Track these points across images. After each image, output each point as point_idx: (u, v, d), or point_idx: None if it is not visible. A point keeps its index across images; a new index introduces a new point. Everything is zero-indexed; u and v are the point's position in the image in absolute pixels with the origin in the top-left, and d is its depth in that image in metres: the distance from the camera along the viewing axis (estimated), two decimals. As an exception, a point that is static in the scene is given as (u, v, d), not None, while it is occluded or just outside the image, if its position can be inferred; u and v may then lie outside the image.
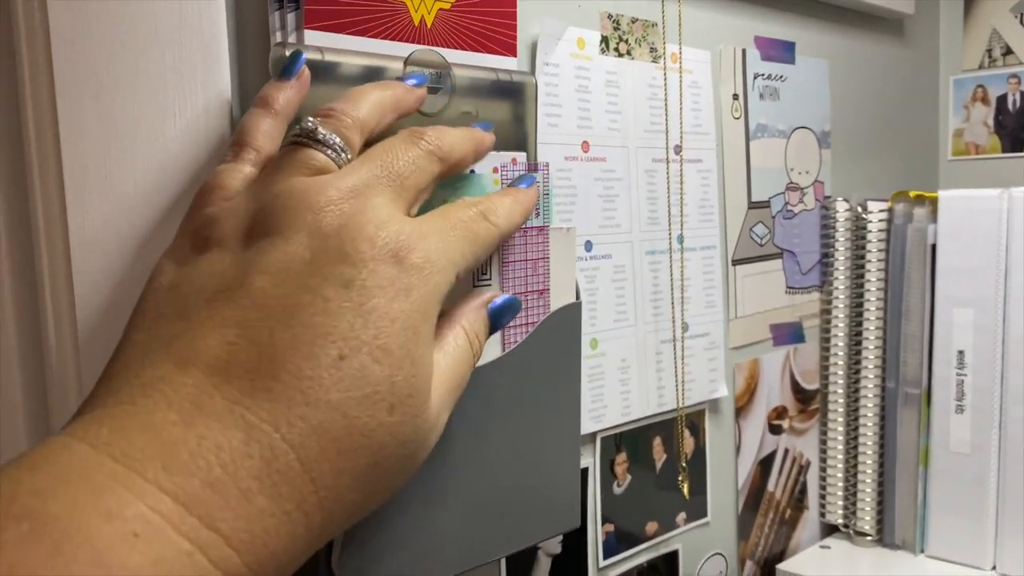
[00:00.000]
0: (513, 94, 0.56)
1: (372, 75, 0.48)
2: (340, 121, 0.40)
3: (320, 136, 0.38)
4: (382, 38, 0.50)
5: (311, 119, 0.39)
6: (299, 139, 0.38)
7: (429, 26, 0.52)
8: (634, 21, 0.74)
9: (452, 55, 0.53)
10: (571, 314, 0.56)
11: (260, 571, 0.30)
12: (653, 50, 0.76)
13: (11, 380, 0.42)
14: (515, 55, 0.58)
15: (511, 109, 0.56)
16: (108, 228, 0.42)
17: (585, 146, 0.70)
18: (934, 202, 0.93)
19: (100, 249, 0.41)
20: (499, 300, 0.46)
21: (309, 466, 0.31)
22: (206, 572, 0.28)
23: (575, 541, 0.73)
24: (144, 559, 0.27)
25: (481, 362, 0.51)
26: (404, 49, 0.51)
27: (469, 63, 0.54)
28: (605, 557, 0.75)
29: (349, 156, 0.39)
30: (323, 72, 0.46)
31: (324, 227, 0.34)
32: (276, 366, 0.31)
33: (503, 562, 0.67)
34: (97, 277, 0.41)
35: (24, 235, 0.41)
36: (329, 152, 0.38)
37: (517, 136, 0.56)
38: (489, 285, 0.52)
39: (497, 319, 0.45)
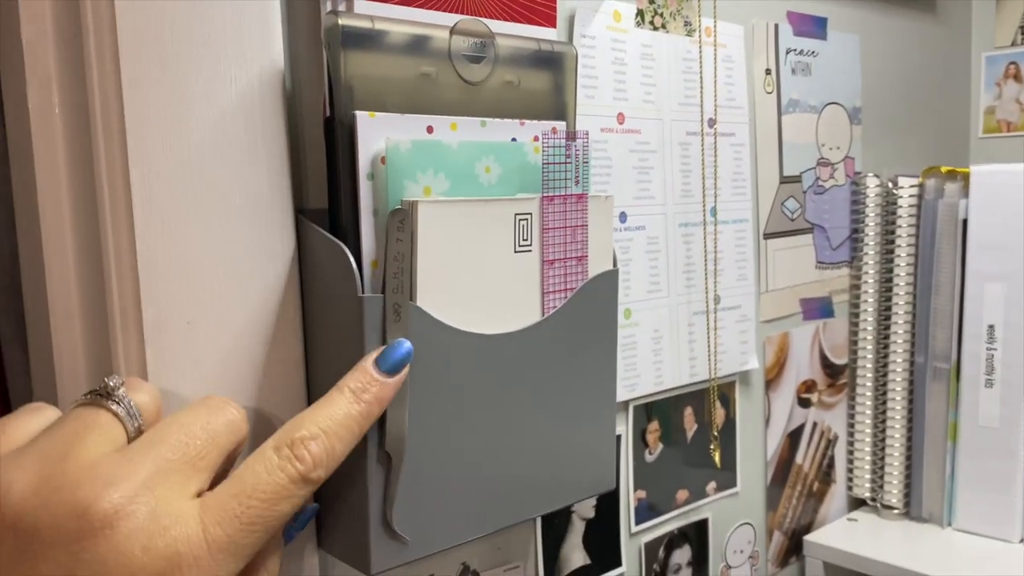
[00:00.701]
0: (553, 64, 0.57)
1: (419, 43, 0.49)
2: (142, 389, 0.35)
3: (119, 397, 0.33)
4: (428, 8, 0.51)
5: (116, 377, 0.34)
6: (95, 397, 0.33)
7: (472, -4, 0.54)
8: (669, -5, 0.75)
9: (494, 25, 0.54)
10: (608, 280, 0.58)
11: None
12: (687, 24, 0.76)
13: (73, 342, 0.44)
14: (554, 26, 0.59)
15: (551, 79, 0.57)
16: (168, 187, 0.43)
17: (620, 118, 0.71)
18: (966, 177, 0.93)
19: (160, 207, 0.43)
20: None
21: None
22: None
23: (608, 507, 0.74)
24: None
25: (520, 326, 0.53)
26: (449, 19, 0.52)
27: (511, 32, 0.55)
28: (637, 523, 0.77)
29: (142, 425, 0.34)
30: (372, 40, 0.47)
31: (84, 552, 0.28)
32: None
33: (539, 527, 0.69)
34: (157, 233, 0.43)
35: (88, 195, 0.43)
36: (126, 420, 0.33)
37: (557, 105, 0.57)
38: (530, 251, 0.53)
39: None
